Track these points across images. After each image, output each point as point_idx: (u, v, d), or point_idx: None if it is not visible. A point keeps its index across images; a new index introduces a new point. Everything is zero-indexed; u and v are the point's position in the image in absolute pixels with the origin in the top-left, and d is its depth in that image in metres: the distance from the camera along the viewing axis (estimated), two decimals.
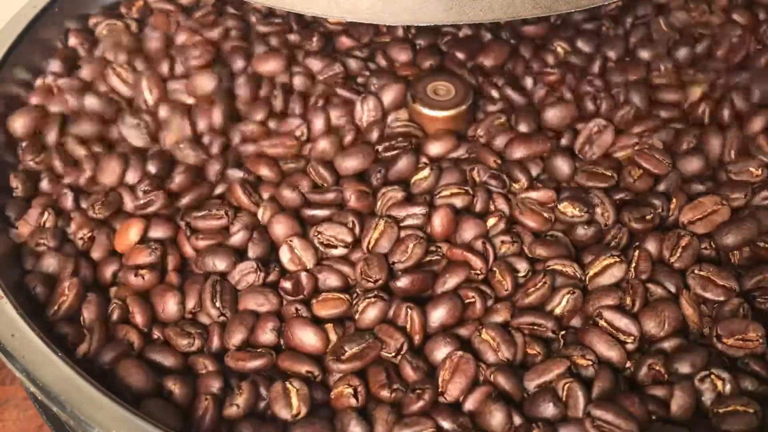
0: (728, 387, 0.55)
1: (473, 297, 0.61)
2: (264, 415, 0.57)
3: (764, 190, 0.67)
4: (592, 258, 0.63)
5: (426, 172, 0.69)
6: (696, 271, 0.61)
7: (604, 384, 0.55)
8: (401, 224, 0.66)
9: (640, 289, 0.60)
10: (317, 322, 0.60)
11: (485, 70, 0.82)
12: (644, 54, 0.82)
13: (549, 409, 0.54)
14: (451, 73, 0.80)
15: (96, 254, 0.66)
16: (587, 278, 0.62)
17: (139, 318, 0.62)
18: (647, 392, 0.56)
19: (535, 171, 0.71)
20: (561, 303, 0.61)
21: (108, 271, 0.65)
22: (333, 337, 0.60)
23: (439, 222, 0.65)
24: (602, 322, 0.59)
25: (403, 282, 0.61)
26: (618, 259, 0.62)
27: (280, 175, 0.72)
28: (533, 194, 0.68)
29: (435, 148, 0.73)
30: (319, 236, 0.65)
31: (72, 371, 0.54)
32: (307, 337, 0.59)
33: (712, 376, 0.55)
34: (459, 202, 0.67)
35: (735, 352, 0.57)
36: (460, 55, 0.83)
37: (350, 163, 0.71)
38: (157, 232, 0.67)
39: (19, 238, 0.68)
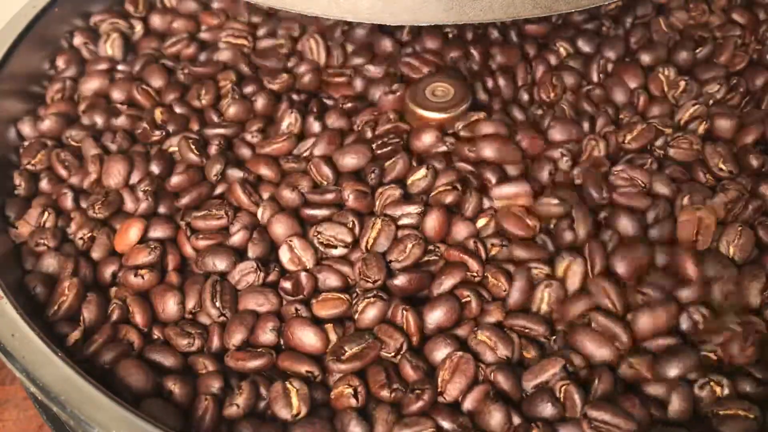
0: (726, 391, 0.55)
1: (468, 296, 0.61)
2: (264, 415, 0.57)
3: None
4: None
5: (423, 172, 0.69)
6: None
7: (604, 385, 0.55)
8: (397, 223, 0.65)
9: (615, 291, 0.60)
10: (317, 322, 0.60)
11: (490, 70, 0.82)
12: (645, 57, 0.82)
13: (547, 409, 0.54)
14: (450, 73, 0.80)
15: (96, 254, 0.66)
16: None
17: (139, 318, 0.62)
18: (646, 393, 0.55)
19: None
20: (543, 298, 0.61)
21: (108, 271, 0.65)
22: (333, 337, 0.60)
23: (431, 225, 0.65)
24: (594, 326, 0.59)
25: (400, 281, 0.61)
26: (571, 258, 0.62)
27: (279, 174, 0.72)
28: (505, 189, 0.67)
29: (418, 142, 0.73)
30: (319, 236, 0.65)
31: (72, 371, 0.54)
32: (307, 337, 0.59)
33: (711, 383, 0.55)
34: (449, 198, 0.67)
35: (729, 358, 0.57)
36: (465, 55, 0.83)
37: (348, 161, 0.71)
38: (157, 232, 0.67)
39: (19, 238, 0.68)
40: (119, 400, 0.52)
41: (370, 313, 0.60)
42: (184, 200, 0.69)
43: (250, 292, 0.63)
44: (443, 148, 0.72)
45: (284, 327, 0.60)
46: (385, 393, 0.56)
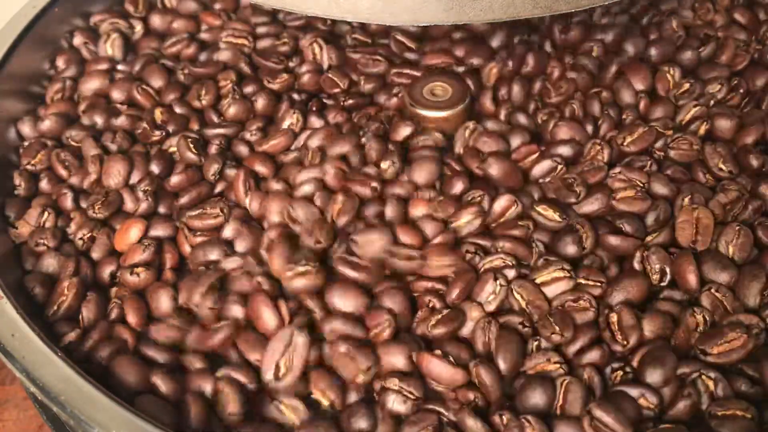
0: (720, 386, 0.55)
1: (430, 300, 0.61)
2: (264, 416, 0.57)
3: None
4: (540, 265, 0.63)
5: (386, 164, 0.69)
6: (712, 291, 0.60)
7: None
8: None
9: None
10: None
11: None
12: (654, 56, 0.81)
13: (540, 399, 0.54)
14: (449, 73, 0.80)
15: (96, 254, 0.66)
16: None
17: (131, 317, 0.62)
18: (642, 394, 0.55)
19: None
20: (495, 292, 0.60)
21: (107, 271, 0.65)
22: (284, 311, 0.59)
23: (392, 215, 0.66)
24: (613, 317, 0.59)
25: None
26: (567, 274, 0.61)
27: (274, 171, 0.72)
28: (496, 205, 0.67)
29: (395, 134, 0.74)
30: (291, 211, 0.66)
31: (72, 371, 0.54)
32: (266, 315, 0.59)
33: (703, 377, 0.55)
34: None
35: (727, 359, 0.56)
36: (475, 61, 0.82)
37: (336, 150, 0.72)
38: (158, 231, 0.67)
39: (19, 239, 0.68)
40: (119, 400, 0.52)
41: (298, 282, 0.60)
42: (183, 200, 0.69)
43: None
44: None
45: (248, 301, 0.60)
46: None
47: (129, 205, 0.70)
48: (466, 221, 0.65)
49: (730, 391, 0.55)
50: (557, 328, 0.57)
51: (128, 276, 0.64)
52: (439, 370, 0.56)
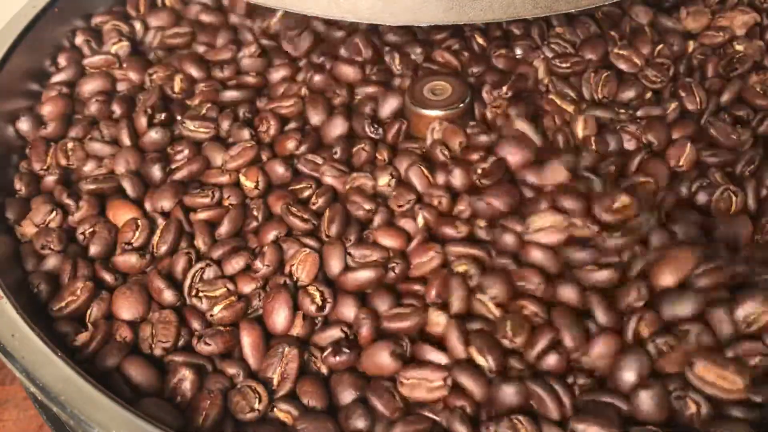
0: (705, 410, 0.52)
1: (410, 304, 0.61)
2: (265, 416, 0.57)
3: None
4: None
5: (386, 179, 0.69)
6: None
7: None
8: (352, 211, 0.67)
9: None
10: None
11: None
12: None
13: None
14: (448, 72, 0.80)
15: (95, 249, 0.66)
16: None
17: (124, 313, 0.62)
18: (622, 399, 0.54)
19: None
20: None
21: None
22: (298, 323, 0.60)
23: (388, 241, 0.65)
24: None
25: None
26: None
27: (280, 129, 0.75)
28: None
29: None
30: (290, 207, 0.66)
31: (72, 371, 0.54)
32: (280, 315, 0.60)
33: (688, 399, 0.52)
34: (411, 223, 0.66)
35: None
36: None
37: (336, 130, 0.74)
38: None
39: (24, 237, 0.68)
40: (119, 400, 0.52)
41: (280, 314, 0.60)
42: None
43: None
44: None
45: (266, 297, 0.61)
46: (332, 359, 0.57)
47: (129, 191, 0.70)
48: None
49: (716, 412, 0.52)
50: (510, 333, 0.56)
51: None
52: (418, 395, 0.56)
